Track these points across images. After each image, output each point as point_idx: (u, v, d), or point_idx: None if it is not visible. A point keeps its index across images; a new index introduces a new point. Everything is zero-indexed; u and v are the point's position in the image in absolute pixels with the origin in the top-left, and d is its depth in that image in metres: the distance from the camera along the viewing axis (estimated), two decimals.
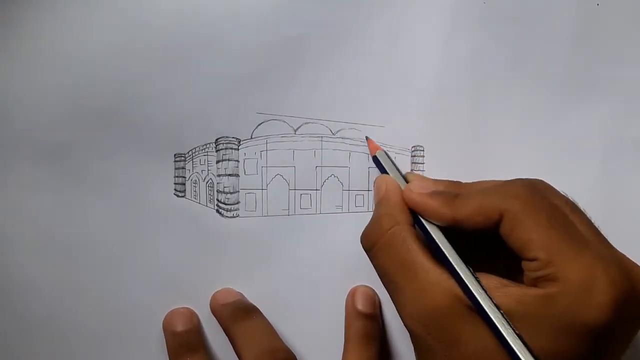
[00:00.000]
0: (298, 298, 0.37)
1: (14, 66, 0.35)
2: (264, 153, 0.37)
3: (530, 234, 0.28)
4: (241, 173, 0.37)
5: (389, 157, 0.36)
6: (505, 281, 0.28)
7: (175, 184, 0.37)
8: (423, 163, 0.37)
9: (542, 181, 0.31)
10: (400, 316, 0.30)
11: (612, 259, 0.28)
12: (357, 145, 0.37)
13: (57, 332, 0.37)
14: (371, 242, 0.32)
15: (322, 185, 0.37)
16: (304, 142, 0.37)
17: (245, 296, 0.37)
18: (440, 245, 0.30)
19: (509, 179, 0.32)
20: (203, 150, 0.37)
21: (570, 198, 0.31)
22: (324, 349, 0.37)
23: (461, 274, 0.29)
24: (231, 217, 0.37)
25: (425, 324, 0.29)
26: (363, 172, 0.37)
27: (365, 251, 0.32)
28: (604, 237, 0.30)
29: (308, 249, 0.37)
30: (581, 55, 0.37)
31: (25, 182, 0.36)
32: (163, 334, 0.36)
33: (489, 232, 0.29)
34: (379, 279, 0.32)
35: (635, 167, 0.37)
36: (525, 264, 0.28)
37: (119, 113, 0.36)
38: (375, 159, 0.35)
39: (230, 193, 0.37)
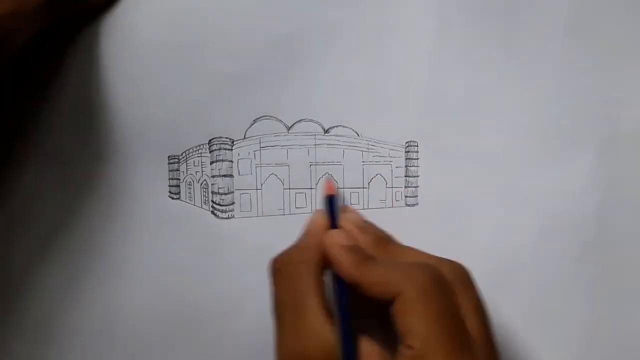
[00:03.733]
0: None
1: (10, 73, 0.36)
2: (257, 153, 0.37)
3: (414, 323, 0.28)
4: (235, 173, 0.37)
5: (334, 202, 0.35)
6: (383, 354, 0.29)
7: (169, 186, 0.37)
8: (417, 159, 0.37)
9: (458, 269, 0.31)
10: (276, 350, 0.30)
11: None
12: (350, 142, 0.37)
13: (55, 335, 0.37)
14: (276, 268, 0.32)
15: (316, 184, 0.37)
16: (298, 140, 0.37)
17: (241, 297, 0.37)
18: (337, 299, 0.31)
19: (418, 261, 0.31)
20: (197, 152, 0.37)
21: (481, 296, 0.31)
22: None
23: (342, 335, 0.29)
24: (226, 218, 0.37)
25: None
26: (357, 169, 0.37)
27: (269, 275, 0.32)
28: (492, 346, 0.30)
29: None
30: (574, 47, 0.37)
31: (22, 186, 0.36)
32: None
33: (385, 304, 0.30)
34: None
35: (630, 160, 0.37)
36: (401, 348, 0.29)
37: (111, 116, 0.36)
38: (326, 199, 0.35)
39: (225, 194, 0.37)
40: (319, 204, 0.37)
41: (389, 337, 0.30)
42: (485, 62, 0.36)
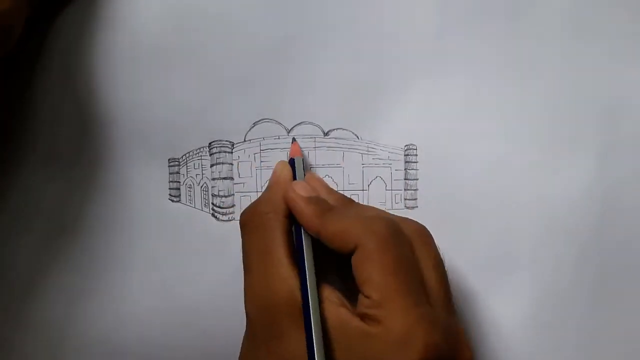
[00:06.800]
0: None
1: (12, 73, 0.36)
2: (257, 155, 0.37)
3: (372, 273, 0.29)
4: (235, 176, 0.37)
5: (303, 164, 0.36)
6: (344, 301, 0.30)
7: (170, 188, 0.37)
8: (416, 162, 0.37)
9: (419, 227, 0.32)
10: (244, 297, 0.31)
11: (441, 324, 0.29)
12: (350, 145, 0.37)
13: (54, 336, 0.37)
14: (246, 220, 0.33)
15: None
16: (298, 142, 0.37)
17: (242, 299, 0.37)
18: (302, 246, 0.31)
19: (380, 214, 0.32)
20: (197, 155, 0.37)
21: (440, 254, 0.32)
22: None
23: (307, 280, 0.30)
24: (227, 220, 0.37)
25: (260, 312, 0.30)
26: (357, 171, 0.37)
27: (240, 227, 0.33)
28: (449, 302, 0.31)
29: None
30: (574, 51, 0.37)
31: (23, 187, 0.36)
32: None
33: (346, 255, 0.30)
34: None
35: (631, 164, 0.37)
36: (360, 297, 0.29)
37: (112, 118, 0.36)
38: (292, 161, 0.36)
39: (225, 196, 0.37)
40: None
41: (352, 290, 0.30)
42: (485, 65, 0.37)
